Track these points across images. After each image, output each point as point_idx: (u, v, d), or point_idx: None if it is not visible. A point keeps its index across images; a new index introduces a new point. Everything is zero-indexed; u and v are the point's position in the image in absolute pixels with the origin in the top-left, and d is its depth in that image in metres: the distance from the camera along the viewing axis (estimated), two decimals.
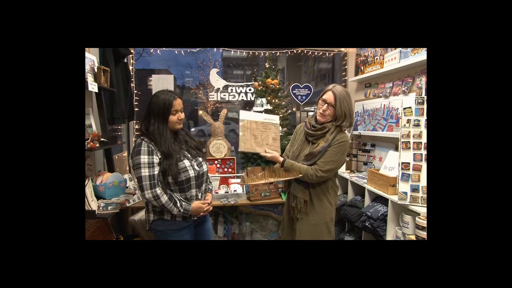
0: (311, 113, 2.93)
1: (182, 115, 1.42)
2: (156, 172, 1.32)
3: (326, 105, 1.47)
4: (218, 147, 2.75)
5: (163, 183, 1.35)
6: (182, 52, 2.86)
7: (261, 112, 2.57)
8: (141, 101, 2.74)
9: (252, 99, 2.89)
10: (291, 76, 3.61)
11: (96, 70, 1.86)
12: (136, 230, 2.32)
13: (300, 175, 1.47)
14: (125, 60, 2.45)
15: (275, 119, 1.58)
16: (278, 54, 3.02)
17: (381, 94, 2.38)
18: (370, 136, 2.48)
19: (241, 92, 2.94)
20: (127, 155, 2.70)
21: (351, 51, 2.97)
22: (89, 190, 1.78)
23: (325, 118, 1.49)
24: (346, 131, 1.56)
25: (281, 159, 1.52)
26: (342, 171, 2.49)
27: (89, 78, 1.72)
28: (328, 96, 1.46)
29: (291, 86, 3.02)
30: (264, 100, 2.55)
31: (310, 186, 1.52)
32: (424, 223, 1.43)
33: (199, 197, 1.46)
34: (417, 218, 1.49)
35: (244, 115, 1.51)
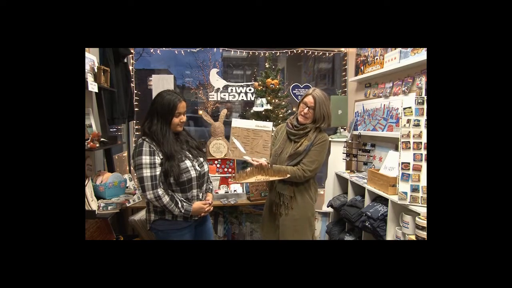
0: None
1: (184, 118, 1.42)
2: (157, 173, 1.32)
3: (307, 108, 1.59)
4: (218, 147, 2.75)
5: (165, 184, 1.35)
6: (182, 52, 2.86)
7: (261, 112, 2.58)
8: (141, 101, 2.74)
9: (252, 99, 2.89)
10: (291, 76, 3.61)
11: (96, 70, 1.86)
12: (136, 230, 2.32)
13: (288, 176, 1.55)
14: (125, 60, 2.45)
15: (268, 125, 1.62)
16: (278, 54, 3.02)
17: (381, 94, 2.38)
18: (370, 136, 2.48)
19: (241, 92, 2.94)
20: (127, 155, 2.70)
21: (351, 51, 2.97)
22: (89, 190, 1.78)
23: (306, 120, 1.62)
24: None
25: (267, 165, 1.55)
26: (342, 171, 2.49)
27: (89, 78, 1.72)
28: (309, 99, 1.59)
29: (291, 86, 3.02)
30: (264, 100, 2.55)
31: (294, 183, 1.63)
32: (424, 223, 1.43)
33: (200, 197, 1.47)
34: (417, 218, 1.49)
35: (235, 122, 1.59)
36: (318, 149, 1.59)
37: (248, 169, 1.58)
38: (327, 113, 1.60)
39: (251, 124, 1.61)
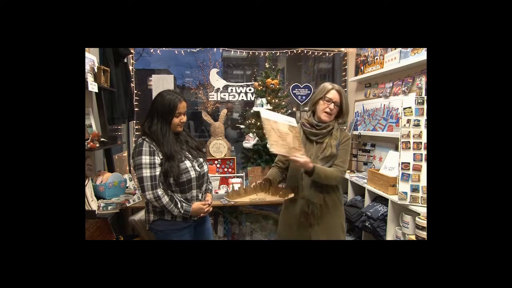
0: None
1: (185, 118, 1.42)
2: (157, 173, 1.32)
3: (332, 104, 1.46)
4: (218, 147, 2.75)
5: (164, 184, 1.35)
6: (182, 52, 2.86)
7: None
8: (141, 101, 2.74)
9: (252, 99, 2.89)
10: (291, 76, 3.61)
11: (96, 70, 1.86)
12: (136, 230, 2.32)
13: (330, 181, 1.41)
14: (125, 60, 2.45)
15: (292, 121, 1.45)
16: (278, 54, 3.02)
17: (381, 94, 2.38)
18: (370, 136, 2.48)
19: (241, 92, 2.94)
20: (127, 155, 2.70)
21: (351, 51, 2.97)
22: (89, 190, 1.78)
23: (331, 117, 1.48)
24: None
25: (312, 165, 1.35)
26: None
27: (89, 78, 1.72)
28: (334, 95, 1.46)
29: (291, 86, 3.02)
30: (264, 100, 2.55)
31: (324, 189, 1.46)
32: (424, 223, 1.43)
33: (200, 197, 1.46)
34: (417, 218, 1.49)
35: (265, 114, 1.36)
36: (346, 148, 1.49)
37: (244, 186, 1.43)
38: (347, 108, 1.51)
39: (280, 117, 1.41)
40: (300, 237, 1.53)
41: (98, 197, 1.90)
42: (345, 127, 2.76)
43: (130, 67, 2.63)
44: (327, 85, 1.50)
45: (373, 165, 2.36)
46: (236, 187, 1.57)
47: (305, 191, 1.48)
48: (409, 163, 1.59)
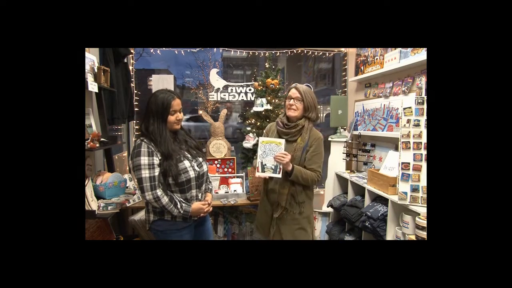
0: None
1: (181, 116, 1.42)
2: (156, 174, 1.32)
3: (292, 99, 1.59)
4: (218, 147, 2.75)
5: (164, 184, 1.35)
6: (182, 52, 2.86)
7: (261, 112, 2.57)
8: (141, 101, 2.73)
9: (252, 99, 2.89)
10: (291, 76, 3.61)
11: (96, 70, 1.86)
12: (136, 230, 2.32)
13: (306, 182, 1.55)
14: (125, 60, 2.45)
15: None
16: (278, 54, 3.01)
17: (381, 94, 2.38)
18: (370, 136, 2.48)
19: (241, 92, 2.93)
20: (127, 155, 2.70)
21: (351, 51, 2.97)
22: (89, 190, 1.78)
23: (295, 112, 1.59)
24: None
25: (290, 166, 1.51)
26: (342, 171, 2.49)
27: (89, 78, 1.72)
28: (292, 92, 1.60)
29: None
30: (264, 100, 2.55)
31: (294, 183, 1.58)
32: (424, 223, 1.43)
33: (199, 197, 1.46)
34: (417, 218, 1.48)
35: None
36: (319, 149, 1.59)
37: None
38: (313, 103, 1.59)
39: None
40: (265, 224, 1.70)
41: (98, 197, 1.90)
42: (345, 127, 2.76)
43: (130, 67, 2.63)
44: (292, 85, 1.65)
45: (373, 165, 2.36)
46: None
47: (276, 183, 1.60)
48: (409, 163, 1.59)
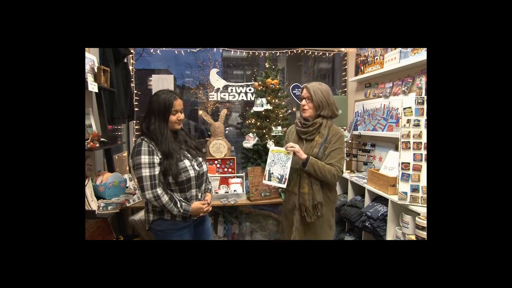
0: None
1: (182, 116, 1.43)
2: (156, 173, 1.32)
3: (304, 100, 1.58)
4: (218, 147, 2.75)
5: (164, 183, 1.35)
6: (182, 52, 2.86)
7: (261, 112, 2.58)
8: (141, 101, 2.74)
9: (252, 99, 2.89)
10: (291, 76, 3.62)
11: (96, 70, 1.86)
12: (136, 230, 2.32)
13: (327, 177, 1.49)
14: (125, 60, 2.44)
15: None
16: (278, 54, 3.02)
17: (381, 94, 2.38)
18: (370, 136, 2.48)
19: (241, 92, 2.94)
20: (127, 155, 2.70)
21: (351, 51, 2.97)
22: (89, 190, 1.78)
23: (307, 112, 1.57)
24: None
25: (305, 156, 1.49)
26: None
27: (89, 78, 1.72)
28: (303, 93, 1.59)
29: (291, 86, 3.02)
30: (264, 100, 2.55)
31: (317, 184, 1.54)
32: (424, 223, 1.43)
33: (199, 197, 1.47)
34: (417, 218, 1.49)
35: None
36: (340, 145, 1.54)
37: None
38: (325, 100, 1.54)
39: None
40: (290, 226, 1.64)
41: (98, 197, 1.90)
42: (345, 127, 2.76)
43: (130, 67, 2.63)
44: (303, 85, 1.62)
45: (373, 165, 2.36)
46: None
47: (300, 185, 1.57)
48: (409, 163, 1.59)
